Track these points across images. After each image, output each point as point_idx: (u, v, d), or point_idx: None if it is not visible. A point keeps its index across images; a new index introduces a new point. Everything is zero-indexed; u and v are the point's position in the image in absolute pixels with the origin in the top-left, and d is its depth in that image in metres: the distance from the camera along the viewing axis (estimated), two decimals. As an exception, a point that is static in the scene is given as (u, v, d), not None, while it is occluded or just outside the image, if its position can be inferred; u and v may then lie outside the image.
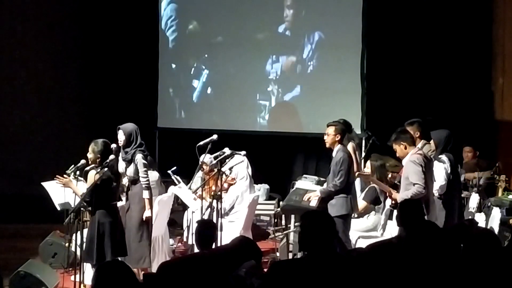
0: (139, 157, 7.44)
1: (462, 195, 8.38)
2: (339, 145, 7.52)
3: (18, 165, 11.51)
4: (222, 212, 7.95)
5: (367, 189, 8.32)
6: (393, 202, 7.45)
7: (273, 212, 10.18)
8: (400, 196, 6.98)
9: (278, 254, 8.65)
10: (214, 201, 7.41)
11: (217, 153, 7.95)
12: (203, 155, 8.06)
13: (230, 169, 8.58)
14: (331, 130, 7.52)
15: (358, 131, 10.19)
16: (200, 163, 8.28)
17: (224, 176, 8.05)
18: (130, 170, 7.50)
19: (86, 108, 11.83)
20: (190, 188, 8.47)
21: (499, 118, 10.76)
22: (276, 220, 10.18)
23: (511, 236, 8.02)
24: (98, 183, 6.75)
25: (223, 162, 7.74)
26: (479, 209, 8.66)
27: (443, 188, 7.31)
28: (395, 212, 7.01)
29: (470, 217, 8.20)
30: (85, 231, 7.04)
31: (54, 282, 7.46)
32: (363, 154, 9.75)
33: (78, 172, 7.22)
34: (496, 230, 7.78)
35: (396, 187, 7.59)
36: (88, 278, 7.07)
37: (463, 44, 10.73)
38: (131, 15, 11.75)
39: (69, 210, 7.19)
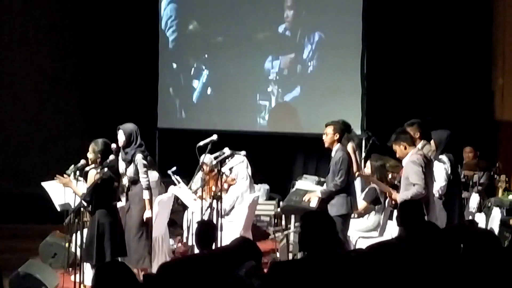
0: (139, 157, 7.44)
1: (462, 196, 8.39)
2: (338, 144, 7.52)
3: (18, 165, 11.50)
4: (222, 213, 7.95)
5: (367, 189, 8.32)
6: (393, 202, 7.45)
7: (273, 212, 10.19)
8: (400, 196, 6.98)
9: (278, 254, 8.64)
10: (214, 201, 7.41)
11: (217, 153, 7.95)
12: (203, 155, 8.06)
13: (230, 169, 8.59)
14: (329, 130, 7.53)
15: (358, 131, 10.20)
16: (200, 163, 8.27)
17: (224, 176, 8.05)
18: (130, 171, 7.50)
19: (86, 108, 11.83)
20: (190, 188, 8.47)
21: (499, 118, 10.76)
22: (276, 221, 10.18)
23: (511, 237, 8.02)
24: (99, 183, 6.75)
25: (223, 162, 7.74)
26: (479, 209, 8.67)
27: (444, 189, 7.31)
28: (395, 212, 7.01)
29: (470, 217, 8.21)
30: (85, 231, 7.04)
31: (54, 283, 7.46)
32: (363, 154, 9.75)
33: (78, 172, 7.22)
34: (496, 231, 7.78)
35: (396, 188, 7.59)
36: (88, 278, 7.07)
37: (463, 44, 10.73)
38: (131, 15, 11.74)
39: (69, 210, 7.19)
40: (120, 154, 7.58)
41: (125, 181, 7.57)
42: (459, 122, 9.93)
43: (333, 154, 7.52)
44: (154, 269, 7.13)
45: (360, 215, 8.17)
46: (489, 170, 9.36)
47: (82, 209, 7.01)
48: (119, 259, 6.69)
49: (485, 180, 9.36)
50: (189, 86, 11.90)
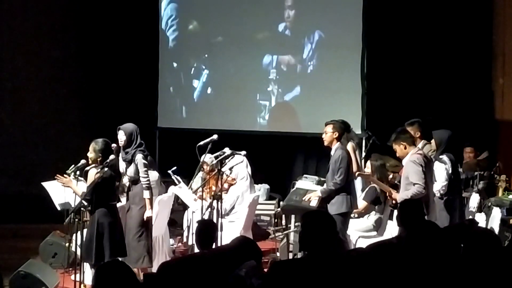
0: (139, 157, 7.44)
1: (463, 195, 8.39)
2: (338, 143, 7.53)
3: (18, 165, 11.50)
4: (223, 212, 7.95)
5: (367, 189, 8.32)
6: (393, 202, 7.45)
7: (273, 212, 10.19)
8: (400, 196, 6.98)
9: (278, 254, 8.65)
10: (215, 201, 7.41)
11: (217, 153, 7.95)
12: (203, 155, 8.06)
13: (230, 169, 8.58)
14: (329, 128, 7.55)
15: (358, 131, 10.19)
16: (200, 163, 8.28)
17: (224, 176, 8.05)
18: (131, 170, 7.50)
19: (86, 108, 11.83)
20: (190, 188, 8.48)
21: (499, 118, 10.75)
22: (276, 220, 10.18)
23: (511, 236, 8.02)
24: (99, 182, 6.75)
25: (223, 162, 7.74)
26: (480, 209, 8.67)
27: (445, 189, 7.31)
28: (395, 212, 7.01)
29: (470, 217, 8.20)
30: (85, 231, 7.04)
31: (54, 282, 7.46)
32: (363, 154, 9.75)
33: (78, 172, 7.22)
34: (497, 230, 7.78)
35: (397, 187, 7.59)
36: (88, 278, 7.08)
37: (463, 44, 10.73)
38: (132, 14, 11.74)
39: (69, 210, 7.19)
40: (120, 154, 7.59)
41: (125, 180, 7.57)
42: (459, 122, 9.92)
43: (332, 152, 7.53)
44: (154, 269, 7.12)
45: (360, 215, 8.18)
46: (489, 170, 9.36)
47: (82, 208, 7.01)
48: (119, 259, 6.69)
49: (485, 180, 9.36)
50: (189, 86, 11.91)
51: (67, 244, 8.02)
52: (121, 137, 7.53)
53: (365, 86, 10.82)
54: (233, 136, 9.78)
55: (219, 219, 7.30)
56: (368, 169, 8.27)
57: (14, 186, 11.16)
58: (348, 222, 7.54)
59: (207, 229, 5.66)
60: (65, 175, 7.13)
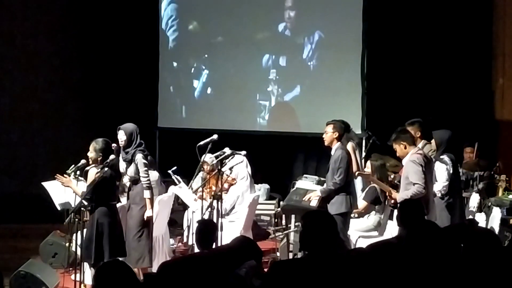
0: (139, 157, 7.44)
1: (463, 195, 8.39)
2: (338, 143, 7.53)
3: (18, 165, 11.51)
4: (223, 212, 7.95)
5: (367, 189, 8.33)
6: (392, 201, 7.45)
7: (273, 212, 10.19)
8: (399, 196, 6.98)
9: (278, 254, 8.65)
10: (215, 201, 7.41)
11: (218, 153, 7.96)
12: (204, 155, 8.06)
13: (231, 169, 8.59)
14: (329, 128, 7.55)
15: (358, 131, 10.20)
16: (201, 162, 8.28)
17: (224, 176, 8.05)
18: (131, 170, 7.50)
19: (87, 108, 11.83)
20: (190, 188, 8.48)
21: (499, 118, 10.76)
22: (276, 220, 10.18)
23: (511, 236, 8.02)
24: (100, 181, 6.75)
25: (223, 162, 7.74)
26: (480, 209, 8.68)
27: (446, 189, 7.31)
28: (395, 212, 7.01)
29: (470, 216, 8.20)
30: (85, 230, 7.03)
31: (55, 282, 7.47)
32: (364, 154, 9.76)
33: (78, 172, 7.22)
34: (497, 230, 7.79)
35: (397, 187, 7.59)
36: (88, 277, 7.08)
37: (463, 44, 10.73)
38: (132, 14, 11.75)
39: (70, 210, 7.19)
40: (120, 153, 7.59)
41: (125, 180, 7.57)
42: (459, 121, 9.93)
43: (332, 152, 7.53)
44: (155, 269, 7.13)
45: (361, 214, 8.18)
46: (489, 170, 9.36)
47: (82, 208, 7.01)
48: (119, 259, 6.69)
49: (486, 176, 9.36)
50: (189, 86, 11.91)
51: (67, 244, 8.03)
52: (121, 137, 7.53)
53: (365, 86, 10.82)
54: (233, 136, 9.79)
55: (219, 219, 7.29)
56: (368, 169, 8.27)
57: (14, 186, 11.16)
58: (348, 222, 7.54)
59: (207, 229, 5.66)
60: (65, 175, 7.13)
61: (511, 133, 10.40)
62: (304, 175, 9.72)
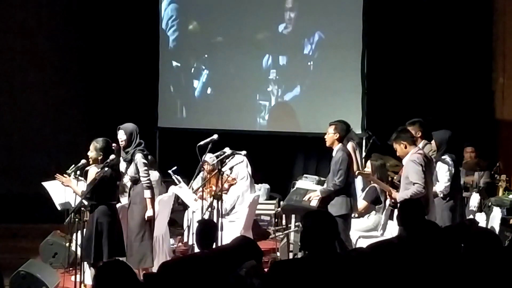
0: (139, 156, 7.43)
1: (463, 195, 8.39)
2: (339, 144, 7.51)
3: (18, 165, 11.50)
4: (223, 212, 7.95)
5: (367, 189, 8.32)
6: (392, 201, 7.45)
7: (273, 212, 10.19)
8: (399, 195, 6.98)
9: (278, 254, 8.65)
10: (215, 201, 7.41)
11: (218, 153, 7.95)
12: (204, 155, 8.06)
13: (231, 169, 8.58)
14: (331, 129, 7.53)
15: (358, 131, 10.20)
16: (201, 162, 8.28)
17: (225, 176, 8.05)
18: (131, 170, 7.49)
19: (87, 108, 11.83)
20: (191, 187, 8.48)
21: (499, 118, 10.76)
22: (276, 220, 10.18)
23: (511, 236, 8.02)
24: (100, 180, 6.74)
25: (223, 162, 7.74)
26: (480, 208, 8.67)
27: (447, 189, 7.31)
28: (395, 212, 7.01)
29: (471, 216, 8.20)
30: (85, 230, 7.04)
31: (55, 282, 7.46)
32: (364, 154, 9.76)
33: (78, 172, 7.22)
34: (497, 230, 7.78)
35: (397, 187, 7.59)
36: (88, 277, 7.07)
37: (463, 44, 10.74)
38: (132, 14, 11.75)
39: (70, 210, 7.19)
40: (120, 153, 7.58)
41: (126, 180, 7.57)
42: (459, 121, 9.93)
43: (334, 153, 7.52)
44: (155, 269, 7.12)
45: (361, 214, 8.17)
46: (489, 170, 9.36)
47: (82, 208, 7.01)
48: (119, 259, 6.69)
49: (485, 180, 9.36)
50: (189, 86, 11.92)
51: (67, 244, 8.03)
52: (121, 136, 7.52)
53: (365, 86, 10.82)
54: (233, 136, 9.78)
55: (219, 219, 7.29)
56: (368, 169, 8.27)
57: (14, 186, 11.16)
58: (349, 224, 7.50)
59: (207, 229, 5.65)
60: (65, 175, 7.13)
61: (511, 133, 10.40)
62: (304, 175, 9.72)
